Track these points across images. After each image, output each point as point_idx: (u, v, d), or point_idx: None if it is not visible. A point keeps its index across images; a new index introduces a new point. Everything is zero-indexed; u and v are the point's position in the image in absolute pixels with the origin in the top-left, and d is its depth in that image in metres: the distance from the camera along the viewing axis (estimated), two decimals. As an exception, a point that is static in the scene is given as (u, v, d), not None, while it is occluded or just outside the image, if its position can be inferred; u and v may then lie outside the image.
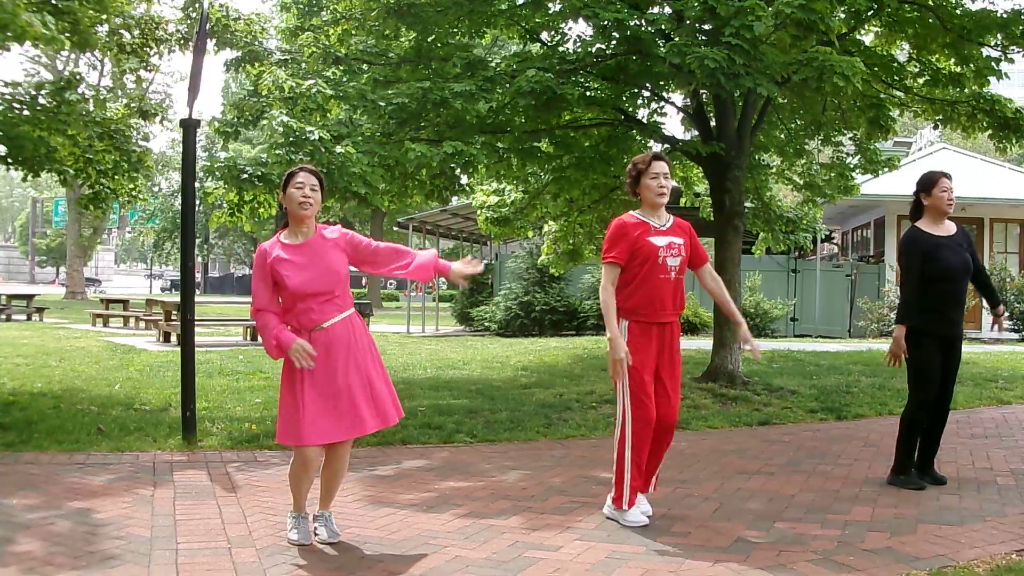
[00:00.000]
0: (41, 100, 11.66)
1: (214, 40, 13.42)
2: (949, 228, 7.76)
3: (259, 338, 6.22)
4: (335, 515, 6.19)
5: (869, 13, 11.95)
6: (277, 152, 10.88)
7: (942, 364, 7.66)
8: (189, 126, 9.42)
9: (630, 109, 13.82)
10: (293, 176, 5.96)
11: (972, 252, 7.79)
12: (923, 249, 7.59)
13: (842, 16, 11.48)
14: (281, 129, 10.99)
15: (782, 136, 15.64)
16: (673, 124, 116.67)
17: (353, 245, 6.04)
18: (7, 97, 11.38)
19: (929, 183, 7.74)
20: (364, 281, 52.87)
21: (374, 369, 5.96)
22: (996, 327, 8.88)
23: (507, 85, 11.75)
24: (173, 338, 20.97)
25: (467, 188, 15.06)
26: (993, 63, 12.53)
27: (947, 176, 7.78)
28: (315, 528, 6.06)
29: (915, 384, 7.74)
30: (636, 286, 6.49)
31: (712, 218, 13.35)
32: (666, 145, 14.12)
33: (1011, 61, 12.70)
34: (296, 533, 5.96)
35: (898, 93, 13.87)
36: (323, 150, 10.92)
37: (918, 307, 7.55)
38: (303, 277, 5.77)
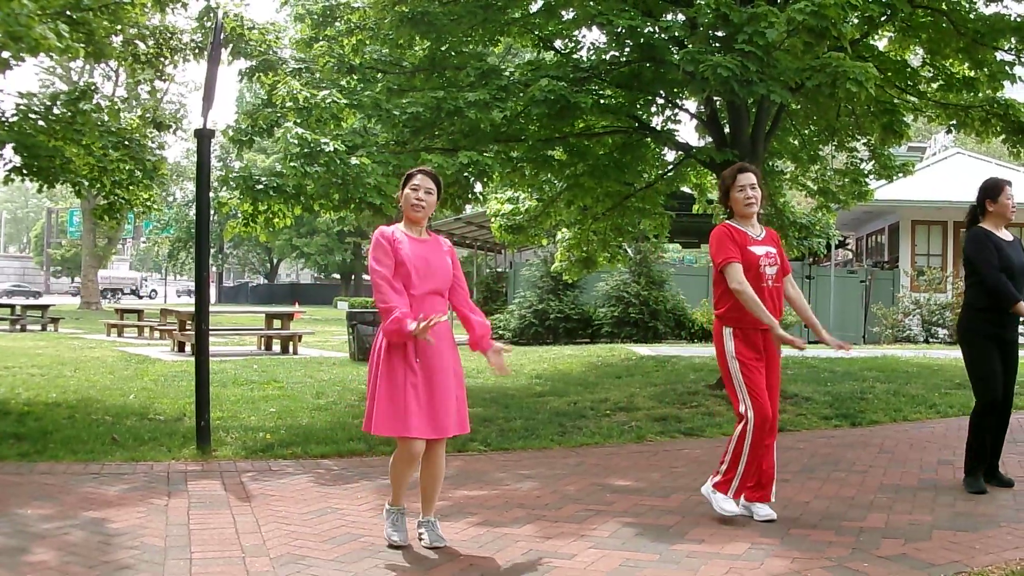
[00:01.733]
0: (56, 111, 11.70)
1: (228, 50, 13.43)
2: (1007, 235, 7.85)
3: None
4: (352, 524, 6.17)
5: (882, 18, 11.94)
6: (292, 165, 10.91)
7: (1000, 365, 7.70)
8: (204, 136, 9.43)
9: (644, 116, 13.82)
10: (411, 177, 6.18)
11: None
12: (993, 243, 7.64)
13: (855, 22, 11.47)
14: (296, 141, 11.01)
15: (796, 142, 15.62)
16: (687, 131, 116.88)
17: (453, 258, 6.21)
18: (22, 108, 11.41)
19: (996, 189, 7.84)
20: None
21: (461, 376, 6.16)
22: None
23: (521, 94, 11.77)
24: (188, 348, 21.00)
25: (481, 196, 15.07)
26: (1007, 67, 12.55)
27: (1009, 184, 7.90)
28: (420, 533, 6.13)
29: (979, 386, 7.77)
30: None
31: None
32: (680, 152, 14.12)
33: (1025, 65, 12.70)
34: (396, 534, 6.06)
35: (912, 98, 13.86)
36: (338, 162, 10.95)
37: (981, 307, 7.66)
38: (424, 270, 5.91)
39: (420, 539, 6.10)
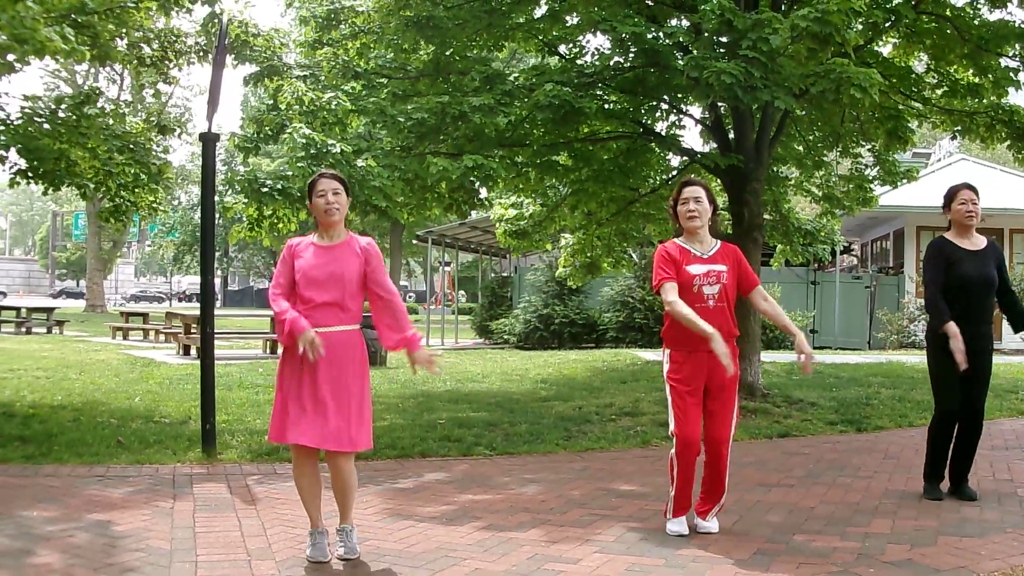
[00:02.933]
0: (61, 114, 11.72)
1: (233, 55, 13.44)
2: (977, 242, 7.68)
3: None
4: (357, 529, 6.17)
5: (886, 25, 11.95)
6: (299, 165, 10.92)
7: (965, 375, 7.51)
8: (208, 140, 9.45)
9: (648, 122, 13.82)
10: (315, 184, 5.97)
11: (1000, 268, 7.68)
12: (944, 257, 7.56)
13: (859, 28, 11.47)
14: (303, 142, 11.02)
15: (800, 148, 15.62)
16: (692, 137, 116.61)
17: (368, 257, 5.98)
18: (28, 111, 11.43)
19: (949, 197, 7.71)
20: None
21: (354, 392, 5.87)
22: None
23: (525, 99, 11.77)
24: (193, 351, 21.03)
25: (485, 201, 15.07)
26: (1012, 73, 12.54)
27: (969, 188, 7.67)
28: (337, 543, 5.96)
29: (935, 394, 7.70)
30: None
31: (731, 231, 13.35)
32: (685, 158, 14.12)
33: (1030, 71, 12.70)
34: (310, 549, 5.90)
35: (916, 104, 13.85)
36: (345, 163, 10.95)
37: (939, 311, 7.50)
38: (318, 280, 5.79)
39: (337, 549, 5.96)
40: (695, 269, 6.46)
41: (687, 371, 6.46)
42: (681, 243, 6.61)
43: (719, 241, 6.71)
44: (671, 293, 6.37)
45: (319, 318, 5.80)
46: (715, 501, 6.66)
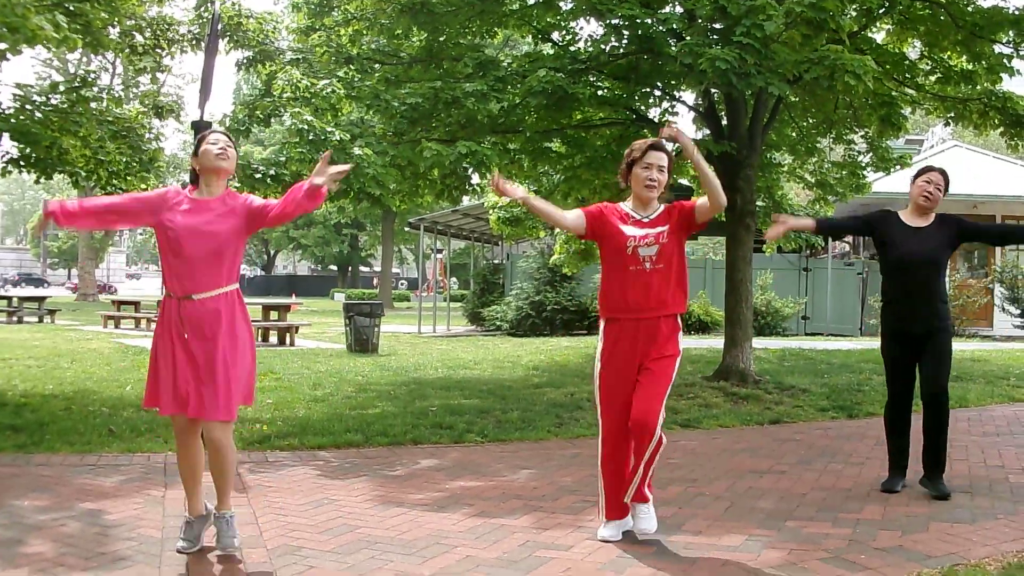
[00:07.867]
0: (55, 100, 11.67)
1: (226, 39, 13.41)
2: (929, 220, 7.61)
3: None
4: (350, 516, 6.14)
5: (880, 11, 11.95)
6: (300, 150, 10.90)
7: (913, 362, 7.34)
8: (201, 128, 9.40)
9: (642, 108, 13.81)
10: (204, 137, 5.63)
11: (950, 237, 7.57)
12: (882, 220, 7.72)
13: (853, 14, 11.47)
14: (305, 127, 11.00)
15: (794, 134, 15.62)
16: (685, 123, 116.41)
17: (248, 210, 5.63)
18: (20, 98, 11.39)
19: (915, 174, 7.71)
20: (376, 282, 52.52)
21: (231, 355, 5.56)
22: None
23: (518, 85, 11.76)
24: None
25: (478, 188, 15.06)
26: (1005, 60, 12.54)
27: (937, 171, 7.63)
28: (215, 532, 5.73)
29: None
30: (608, 280, 6.15)
31: (724, 217, 13.35)
32: (678, 145, 14.11)
33: (1023, 58, 12.68)
34: (180, 540, 5.69)
35: (910, 91, 13.85)
36: (343, 151, 10.94)
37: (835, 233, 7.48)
38: (190, 235, 5.48)
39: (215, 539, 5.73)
40: (632, 231, 6.00)
41: (621, 350, 6.09)
42: (625, 207, 6.17)
43: (663, 205, 6.16)
44: (573, 211, 6.29)
45: (191, 284, 5.60)
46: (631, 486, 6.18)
